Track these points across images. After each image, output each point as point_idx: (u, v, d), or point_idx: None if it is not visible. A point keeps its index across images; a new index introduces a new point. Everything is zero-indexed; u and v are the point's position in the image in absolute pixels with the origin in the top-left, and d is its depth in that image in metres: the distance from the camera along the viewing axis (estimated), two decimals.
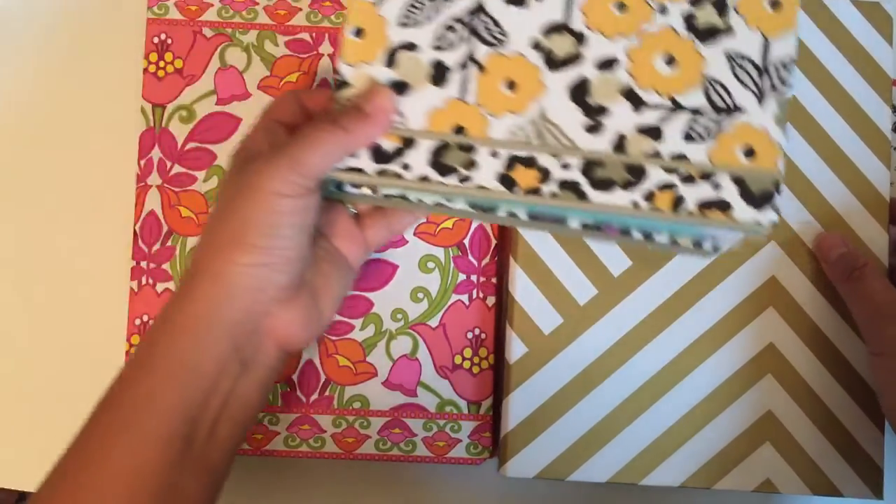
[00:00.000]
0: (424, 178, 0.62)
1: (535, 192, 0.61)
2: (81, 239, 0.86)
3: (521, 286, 0.75)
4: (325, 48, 0.79)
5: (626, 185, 0.60)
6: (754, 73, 0.60)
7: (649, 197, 0.60)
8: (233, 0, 0.80)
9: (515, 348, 0.74)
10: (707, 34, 0.61)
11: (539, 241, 0.75)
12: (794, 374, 0.74)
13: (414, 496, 0.82)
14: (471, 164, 0.62)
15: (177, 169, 0.79)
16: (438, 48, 0.63)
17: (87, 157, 0.87)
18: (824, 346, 0.74)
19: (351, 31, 0.63)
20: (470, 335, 0.78)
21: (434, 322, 0.77)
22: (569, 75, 0.62)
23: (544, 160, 0.61)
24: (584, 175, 0.61)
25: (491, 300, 0.76)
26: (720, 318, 0.74)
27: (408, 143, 0.62)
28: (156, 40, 0.80)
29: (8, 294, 0.86)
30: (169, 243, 0.79)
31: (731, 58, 0.60)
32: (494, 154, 0.62)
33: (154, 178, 0.79)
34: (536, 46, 0.62)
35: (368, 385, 0.78)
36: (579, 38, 0.62)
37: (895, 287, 0.71)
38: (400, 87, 0.62)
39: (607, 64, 0.62)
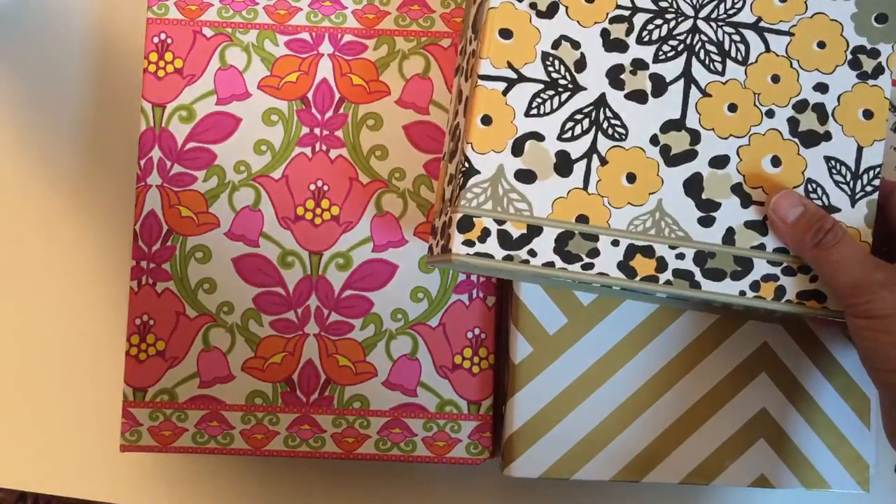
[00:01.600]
0: (549, 265, 0.69)
1: (651, 279, 0.69)
2: (81, 239, 0.88)
3: (526, 286, 0.80)
4: (325, 48, 0.83)
5: (735, 276, 0.70)
6: (848, 177, 0.70)
7: (755, 286, 0.70)
8: (233, 0, 0.82)
9: (520, 348, 0.80)
10: (808, 139, 0.71)
11: None
12: (787, 373, 0.80)
13: (414, 496, 0.88)
14: (594, 253, 0.69)
15: (177, 169, 0.82)
16: (563, 139, 0.69)
17: (88, 157, 0.89)
18: (815, 344, 0.81)
19: (479, 119, 0.69)
20: (470, 335, 0.82)
21: (434, 322, 0.81)
22: (684, 170, 0.70)
23: (661, 250, 0.70)
24: (696, 265, 0.70)
25: (491, 300, 0.81)
26: (717, 317, 0.81)
27: (533, 230, 0.69)
28: (156, 40, 0.83)
29: (8, 293, 0.88)
30: (169, 243, 0.82)
31: (829, 161, 0.70)
32: (615, 243, 0.69)
33: (154, 178, 0.82)
34: (654, 141, 0.70)
35: (368, 385, 0.81)
36: (694, 135, 0.70)
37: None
38: (527, 177, 0.69)
39: (720, 161, 0.70)
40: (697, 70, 0.70)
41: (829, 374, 0.81)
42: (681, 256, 0.69)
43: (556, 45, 0.69)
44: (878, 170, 0.70)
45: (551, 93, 0.69)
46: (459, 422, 0.81)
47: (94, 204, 0.87)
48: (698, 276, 0.69)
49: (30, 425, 0.86)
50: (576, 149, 0.69)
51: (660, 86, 0.70)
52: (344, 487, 0.87)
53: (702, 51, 0.70)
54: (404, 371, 0.81)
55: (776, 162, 0.70)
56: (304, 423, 0.81)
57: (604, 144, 0.69)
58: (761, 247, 0.70)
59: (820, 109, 0.70)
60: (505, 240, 0.68)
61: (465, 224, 0.68)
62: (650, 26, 0.70)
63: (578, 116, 0.69)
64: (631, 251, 0.69)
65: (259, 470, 0.87)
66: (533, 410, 0.79)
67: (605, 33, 0.70)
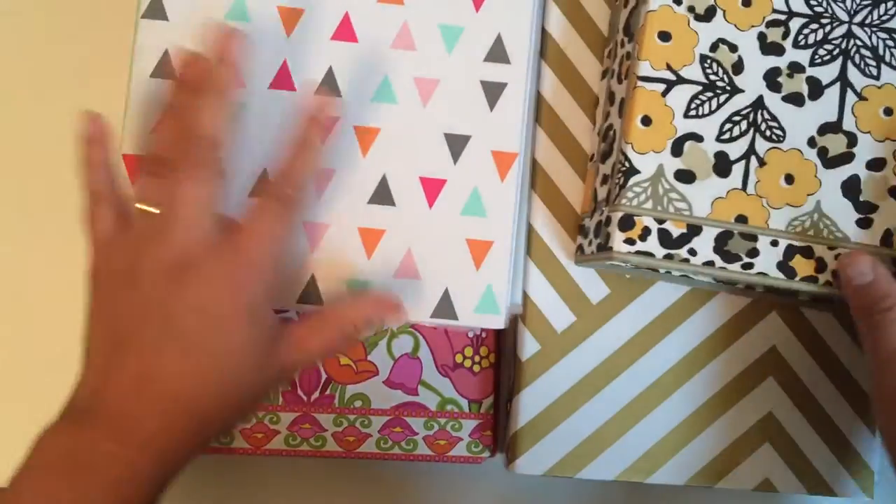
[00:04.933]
0: (709, 264, 0.73)
1: (811, 280, 0.73)
2: (81, 239, 0.86)
3: (536, 284, 0.82)
4: None
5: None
6: None
7: None
8: None
9: (528, 346, 0.82)
10: None
11: (553, 240, 0.83)
12: (795, 377, 0.83)
13: (415, 495, 0.90)
14: (753, 252, 0.73)
15: None
16: (721, 140, 0.73)
17: None
18: (824, 351, 0.83)
19: (639, 119, 0.73)
20: (471, 334, 0.84)
21: None
22: (841, 172, 0.74)
23: (820, 250, 0.73)
24: None
25: None
26: (726, 320, 0.83)
27: (693, 229, 0.72)
28: None
29: (7, 293, 0.90)
30: None
31: None
32: (774, 243, 0.73)
33: None
34: (812, 144, 0.73)
35: (369, 384, 0.83)
36: (851, 138, 0.74)
37: None
38: (686, 177, 0.73)
39: (877, 164, 0.74)
40: (853, 74, 0.74)
41: (837, 381, 0.84)
42: (839, 258, 0.73)
43: (713, 47, 0.73)
44: None
45: (709, 94, 0.73)
46: (460, 420, 0.83)
47: None
48: None
49: (30, 425, 0.84)
50: (734, 150, 0.73)
51: (816, 89, 0.73)
52: (345, 487, 0.89)
53: (857, 55, 0.74)
54: (405, 370, 0.83)
55: None
56: (305, 422, 0.83)
57: (762, 146, 0.73)
58: None
59: None
60: (665, 238, 0.72)
61: (626, 222, 0.72)
62: (806, 30, 0.74)
63: (736, 118, 0.73)
64: (790, 252, 0.73)
65: (260, 469, 0.89)
66: (539, 408, 0.82)
67: (761, 37, 0.73)
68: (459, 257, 0.77)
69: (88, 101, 0.85)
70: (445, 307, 0.76)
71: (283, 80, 0.77)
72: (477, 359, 0.84)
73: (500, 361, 0.86)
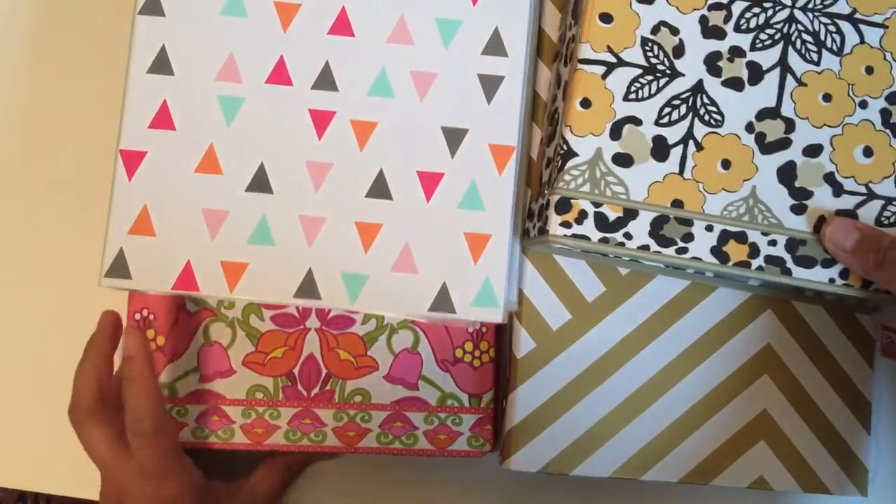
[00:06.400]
0: (644, 248, 0.84)
1: (744, 265, 0.86)
2: (81, 236, 1.01)
3: (531, 281, 0.92)
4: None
5: (825, 263, 0.86)
6: None
7: (844, 274, 0.86)
8: None
9: (523, 343, 0.92)
10: None
11: None
12: (790, 375, 0.93)
13: (416, 490, 1.00)
14: (688, 237, 0.85)
15: None
16: (660, 124, 0.86)
17: (88, 156, 1.03)
18: (819, 348, 0.93)
19: (578, 102, 0.86)
20: (471, 328, 0.95)
21: None
22: (778, 158, 0.86)
23: (753, 236, 0.86)
24: (787, 252, 0.86)
25: None
26: (721, 318, 0.93)
27: (629, 213, 0.84)
28: None
29: (7, 292, 1.00)
30: None
31: None
32: (709, 228, 0.86)
33: None
34: (750, 129, 0.87)
35: (370, 379, 0.94)
36: (789, 124, 0.87)
37: None
38: (624, 160, 0.85)
39: (813, 150, 0.87)
40: (793, 59, 0.87)
41: (832, 378, 0.93)
42: (773, 243, 0.85)
43: (655, 30, 0.85)
44: None
45: (650, 78, 0.85)
46: (460, 415, 0.94)
47: (93, 199, 0.99)
48: (789, 263, 0.85)
49: (30, 425, 0.97)
50: (673, 134, 0.85)
51: (756, 74, 0.86)
52: (345, 482, 0.99)
53: (798, 40, 0.87)
54: (405, 365, 0.94)
55: (868, 152, 0.86)
56: (306, 417, 0.93)
57: (700, 130, 0.85)
58: None
59: None
60: (601, 222, 0.83)
61: (563, 206, 0.83)
62: (748, 14, 0.87)
63: (676, 102, 0.85)
64: (724, 237, 0.85)
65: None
66: (534, 405, 0.91)
67: (703, 20, 0.86)
68: (457, 251, 0.87)
69: (86, 97, 1.03)
70: (443, 300, 0.86)
71: (279, 74, 0.88)
72: (477, 353, 0.95)
73: (500, 356, 0.97)
